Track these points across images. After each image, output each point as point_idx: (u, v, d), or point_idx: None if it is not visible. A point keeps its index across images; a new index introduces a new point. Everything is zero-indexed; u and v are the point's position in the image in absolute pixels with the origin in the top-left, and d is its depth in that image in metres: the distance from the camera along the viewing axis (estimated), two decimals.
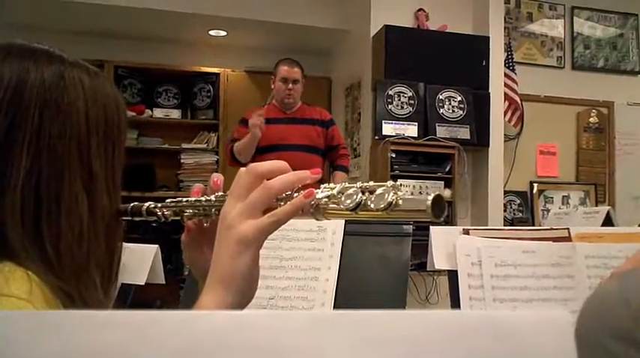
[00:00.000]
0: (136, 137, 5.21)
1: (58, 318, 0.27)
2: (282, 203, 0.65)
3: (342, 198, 0.63)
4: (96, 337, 0.27)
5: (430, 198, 0.56)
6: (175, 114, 5.42)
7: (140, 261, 1.38)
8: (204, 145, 5.38)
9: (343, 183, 0.64)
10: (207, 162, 5.30)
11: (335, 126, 3.77)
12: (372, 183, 0.62)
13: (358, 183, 0.63)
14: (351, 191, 0.62)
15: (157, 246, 1.44)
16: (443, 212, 0.56)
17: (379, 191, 0.60)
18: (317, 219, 0.65)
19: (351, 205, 0.61)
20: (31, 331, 0.27)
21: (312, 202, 0.64)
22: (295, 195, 0.65)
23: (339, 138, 3.79)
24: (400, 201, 0.59)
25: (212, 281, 0.64)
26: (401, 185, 0.60)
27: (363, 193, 0.62)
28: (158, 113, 5.35)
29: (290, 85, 3.61)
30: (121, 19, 4.86)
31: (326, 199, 0.64)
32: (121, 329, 0.27)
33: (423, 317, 0.29)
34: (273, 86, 3.71)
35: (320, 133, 3.66)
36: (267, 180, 0.66)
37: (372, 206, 0.60)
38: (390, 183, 0.60)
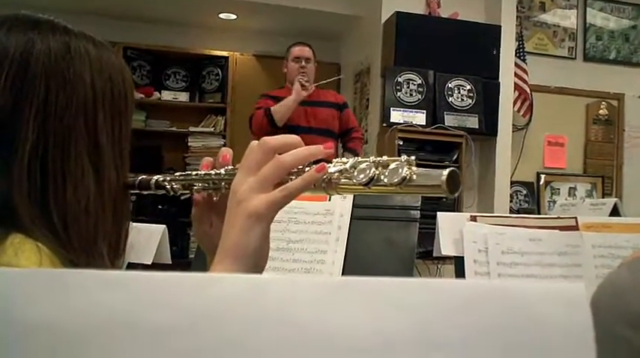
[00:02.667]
0: (144, 119, 5.21)
1: (72, 277, 0.27)
2: (293, 177, 0.64)
3: (355, 173, 0.62)
4: (109, 296, 0.26)
5: (445, 172, 0.55)
6: (183, 97, 5.41)
7: (147, 240, 1.39)
8: (212, 129, 5.38)
9: (356, 158, 0.63)
10: (215, 145, 5.30)
11: (349, 109, 3.79)
12: (385, 157, 0.61)
13: (371, 158, 0.62)
14: (364, 165, 0.61)
15: (164, 226, 1.44)
16: (458, 187, 0.55)
17: (393, 165, 0.59)
18: (329, 194, 0.64)
19: (363, 180, 0.60)
20: (46, 289, 0.26)
21: (324, 177, 0.63)
22: (307, 169, 0.65)
23: (353, 121, 3.80)
24: (414, 176, 0.58)
25: (222, 255, 0.64)
26: (415, 159, 0.59)
27: (376, 168, 0.60)
28: (166, 95, 5.34)
29: (303, 63, 3.59)
30: (131, 1, 4.84)
31: (338, 174, 0.63)
32: (136, 289, 0.27)
33: (435, 286, 0.28)
34: (285, 69, 3.69)
35: (335, 116, 3.65)
36: (279, 154, 0.65)
37: (385, 180, 0.59)
38: (404, 157, 0.59)
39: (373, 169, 0.60)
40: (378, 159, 0.62)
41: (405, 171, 0.58)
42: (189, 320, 0.26)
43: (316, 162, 0.65)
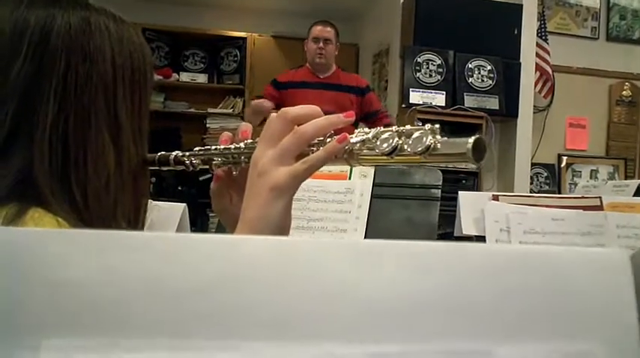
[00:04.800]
0: (163, 101, 5.23)
1: (94, 237, 0.27)
2: (314, 148, 0.63)
3: (378, 143, 0.60)
4: (132, 257, 0.26)
5: (471, 140, 0.53)
6: (202, 78, 5.43)
7: (168, 218, 1.39)
8: (230, 110, 5.39)
9: (378, 128, 0.62)
10: (233, 127, 5.28)
11: (372, 93, 3.63)
12: (408, 126, 0.60)
13: (394, 127, 0.61)
14: (386, 135, 0.60)
15: (184, 204, 1.44)
16: (483, 155, 0.53)
17: (416, 134, 0.58)
18: (351, 165, 0.63)
19: (387, 149, 0.59)
20: (68, 249, 0.26)
21: (346, 147, 0.62)
22: (328, 140, 0.63)
23: (377, 103, 3.64)
24: (439, 145, 0.56)
25: (243, 227, 0.63)
26: (439, 128, 0.58)
27: (399, 137, 0.59)
28: (185, 77, 5.36)
29: (321, 44, 3.39)
30: None
31: (360, 144, 0.62)
32: (160, 250, 0.26)
33: (466, 250, 0.27)
34: (306, 49, 3.53)
35: (354, 101, 3.44)
36: (299, 125, 0.64)
37: (408, 150, 0.57)
38: (428, 126, 0.57)
39: (396, 138, 0.59)
40: (401, 128, 0.60)
41: (429, 140, 0.56)
42: (214, 281, 0.25)
43: (337, 133, 0.64)
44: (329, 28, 3.46)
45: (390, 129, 0.61)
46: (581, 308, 0.26)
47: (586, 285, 0.26)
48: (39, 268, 0.25)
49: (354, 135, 0.63)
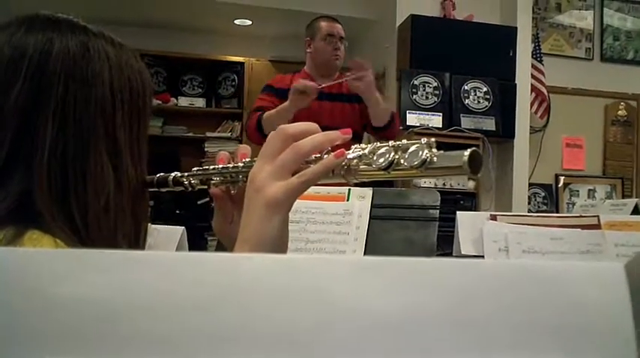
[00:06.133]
0: (161, 125, 5.24)
1: (96, 256, 0.27)
2: (312, 165, 0.64)
3: (374, 158, 0.61)
4: (134, 275, 0.26)
5: (467, 153, 0.54)
6: (200, 103, 5.45)
7: (167, 241, 1.39)
8: (229, 134, 5.41)
9: (375, 143, 0.63)
10: (231, 151, 5.28)
11: None
12: (405, 141, 0.61)
13: (390, 142, 0.61)
14: (383, 150, 0.61)
15: (183, 227, 1.45)
16: (480, 168, 0.54)
17: (413, 148, 0.59)
18: (348, 181, 0.64)
19: (383, 164, 0.59)
20: (69, 267, 0.26)
21: (343, 163, 0.63)
22: (325, 156, 0.64)
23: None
24: (435, 158, 0.57)
25: (241, 244, 0.63)
26: (435, 141, 0.58)
27: (395, 152, 0.60)
28: (183, 102, 5.38)
29: (338, 44, 2.81)
30: (147, 7, 4.88)
31: (357, 160, 0.62)
32: (160, 269, 0.26)
33: (468, 266, 0.28)
34: (309, 50, 2.90)
35: (357, 110, 2.83)
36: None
37: (405, 164, 0.58)
38: (424, 140, 0.58)
39: (392, 153, 0.60)
40: (398, 143, 0.61)
41: (425, 154, 0.57)
42: (215, 299, 0.25)
43: (334, 150, 0.65)
44: (339, 25, 2.89)
45: (387, 144, 0.62)
46: (579, 322, 0.26)
47: (584, 299, 0.27)
48: (40, 286, 0.25)
49: (350, 151, 0.64)
